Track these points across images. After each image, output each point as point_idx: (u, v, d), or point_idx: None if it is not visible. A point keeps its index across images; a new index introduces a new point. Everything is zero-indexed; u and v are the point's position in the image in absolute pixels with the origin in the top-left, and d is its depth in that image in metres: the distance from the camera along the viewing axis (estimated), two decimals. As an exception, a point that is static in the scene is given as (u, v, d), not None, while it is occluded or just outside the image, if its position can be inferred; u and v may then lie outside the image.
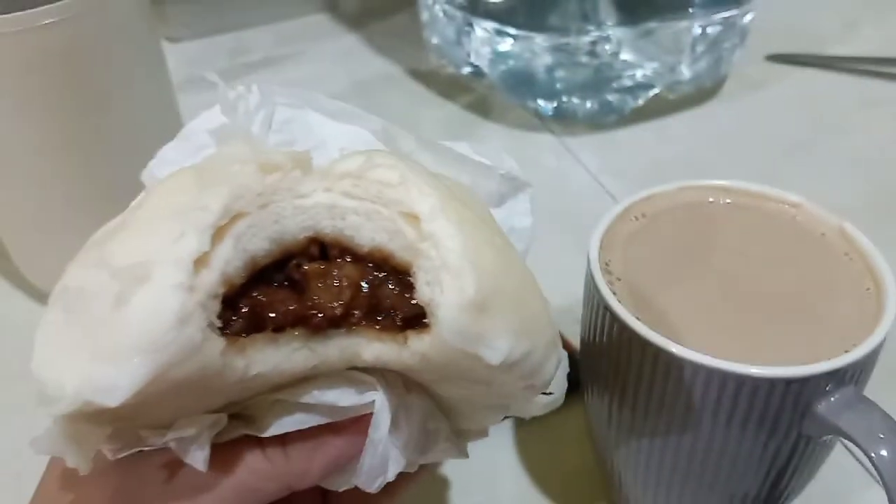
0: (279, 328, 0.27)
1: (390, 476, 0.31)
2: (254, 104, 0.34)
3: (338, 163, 0.29)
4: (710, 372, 0.34)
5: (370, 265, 0.28)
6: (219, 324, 0.25)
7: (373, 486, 0.31)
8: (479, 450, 0.48)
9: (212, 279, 0.25)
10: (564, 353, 0.33)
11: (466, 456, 0.36)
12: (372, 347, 0.28)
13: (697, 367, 0.34)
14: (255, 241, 0.27)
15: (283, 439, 0.30)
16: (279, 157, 0.29)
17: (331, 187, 0.28)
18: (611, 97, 0.75)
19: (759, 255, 0.40)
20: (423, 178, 0.28)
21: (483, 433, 0.37)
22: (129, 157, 0.56)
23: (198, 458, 0.28)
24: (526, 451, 0.49)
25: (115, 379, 0.24)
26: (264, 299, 0.27)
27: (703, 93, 0.80)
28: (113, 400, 0.24)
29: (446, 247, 0.26)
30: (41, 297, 0.61)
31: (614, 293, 0.38)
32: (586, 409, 0.43)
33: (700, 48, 0.76)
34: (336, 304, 0.27)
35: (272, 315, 0.27)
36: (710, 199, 0.43)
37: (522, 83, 0.77)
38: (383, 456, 0.31)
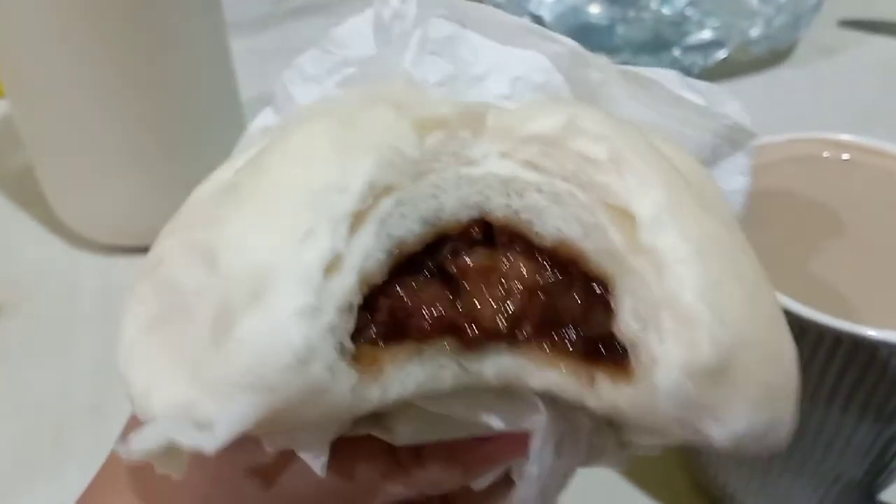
0: (425, 338, 0.21)
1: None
2: (410, 22, 0.26)
3: (525, 117, 0.22)
4: (835, 336, 0.31)
5: (551, 264, 0.21)
6: (351, 347, 0.20)
7: None
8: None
9: (345, 286, 0.19)
10: None
11: (626, 466, 0.30)
12: (542, 375, 0.21)
13: (820, 331, 0.31)
14: (403, 223, 0.21)
15: (420, 451, 0.25)
16: (443, 111, 0.22)
17: (510, 152, 0.22)
18: (678, 54, 0.71)
19: (880, 215, 0.37)
20: (644, 157, 0.20)
21: (653, 451, 0.28)
22: (182, 106, 0.55)
23: (316, 463, 0.23)
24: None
25: (213, 416, 0.18)
26: (409, 301, 0.21)
27: (774, 56, 0.76)
28: (208, 445, 0.18)
29: (677, 277, 0.19)
30: (78, 240, 0.59)
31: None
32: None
33: (771, 9, 0.72)
34: (500, 315, 0.21)
35: (417, 322, 0.21)
36: (825, 154, 0.39)
37: (582, 38, 0.73)
38: (540, 490, 0.24)
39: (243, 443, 0.22)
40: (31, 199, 0.61)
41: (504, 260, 0.21)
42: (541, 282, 0.21)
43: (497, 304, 0.21)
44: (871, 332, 0.30)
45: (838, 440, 0.34)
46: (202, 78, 0.55)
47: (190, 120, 0.55)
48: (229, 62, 0.58)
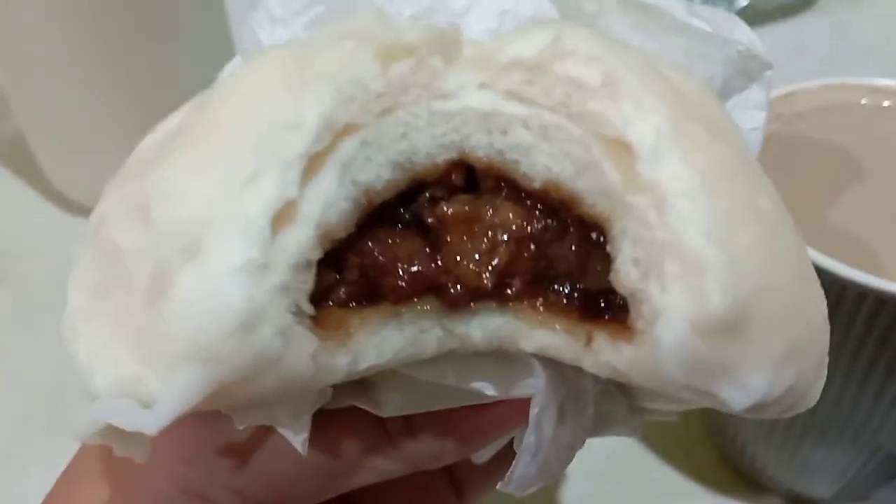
0: (402, 299, 0.18)
1: (550, 481, 0.23)
2: None
3: (505, 43, 0.19)
4: (881, 297, 0.28)
5: (542, 209, 0.18)
6: (310, 310, 0.17)
7: (525, 492, 0.22)
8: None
9: (300, 240, 0.16)
10: None
11: (638, 434, 0.27)
12: (536, 336, 0.19)
13: (864, 291, 0.28)
14: (370, 167, 0.18)
15: (412, 423, 0.23)
16: (410, 36, 0.19)
17: (490, 82, 0.19)
18: (699, 2, 0.67)
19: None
20: (641, 78, 0.17)
21: (669, 416, 0.26)
22: (175, 69, 0.51)
23: (297, 440, 0.20)
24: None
25: (157, 393, 0.16)
26: (382, 257, 0.18)
27: (800, 2, 0.72)
28: (148, 426, 0.16)
29: (681, 214, 0.16)
30: (70, 206, 0.57)
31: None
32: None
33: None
34: (486, 271, 0.18)
35: (392, 281, 0.18)
36: (863, 101, 0.36)
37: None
38: (541, 462, 0.22)
39: (215, 421, 0.20)
40: (24, 166, 0.59)
41: (488, 207, 0.18)
42: (530, 230, 0.18)
43: (483, 257, 0.18)
44: (876, 283, 0.28)
45: (878, 410, 0.32)
46: (195, 38, 0.53)
47: (183, 83, 0.53)
48: (224, 21, 0.55)
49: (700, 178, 0.16)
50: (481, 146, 0.19)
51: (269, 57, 0.18)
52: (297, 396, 0.20)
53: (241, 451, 0.22)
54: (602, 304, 0.18)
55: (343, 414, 0.22)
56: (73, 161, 0.55)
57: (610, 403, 0.24)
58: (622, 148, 0.17)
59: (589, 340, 0.18)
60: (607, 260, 0.17)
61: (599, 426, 0.24)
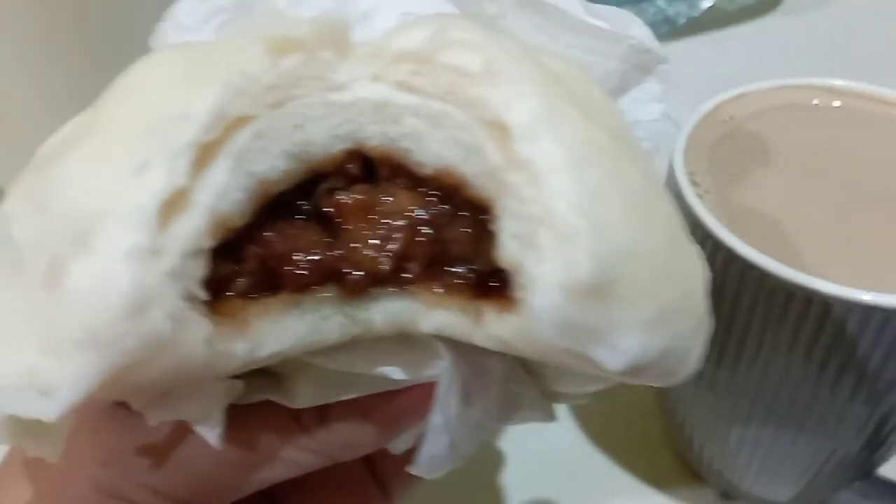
0: (302, 287, 0.19)
1: (459, 462, 0.23)
2: None
3: (393, 37, 0.20)
4: (827, 301, 0.28)
5: (435, 194, 0.19)
6: (204, 295, 0.18)
7: (434, 475, 0.23)
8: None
9: (191, 228, 0.17)
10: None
11: (553, 419, 0.28)
12: (433, 317, 0.20)
13: (810, 295, 0.28)
14: (265, 158, 0.18)
15: (325, 413, 0.23)
16: (300, 31, 0.20)
17: (381, 74, 0.20)
18: (662, 4, 0.68)
19: (876, 166, 0.34)
20: (520, 64, 0.19)
21: (581, 399, 0.28)
22: (109, 64, 0.52)
23: (211, 434, 0.21)
24: (582, 410, 0.43)
25: (56, 381, 0.16)
26: (280, 247, 0.19)
27: (764, 4, 0.72)
28: (47, 413, 0.16)
29: (551, 188, 0.17)
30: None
31: (707, 208, 0.31)
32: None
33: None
34: (382, 256, 0.19)
35: (291, 270, 0.19)
36: (815, 101, 0.36)
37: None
38: (448, 442, 0.23)
39: (133, 422, 0.21)
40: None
41: (384, 195, 0.19)
42: (425, 216, 0.19)
43: (380, 244, 0.19)
44: (823, 287, 0.28)
45: (831, 413, 0.31)
46: (130, 35, 0.51)
47: (116, 75, 0.52)
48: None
49: (570, 155, 0.17)
50: (375, 135, 0.19)
51: (163, 56, 0.20)
52: (204, 390, 0.20)
53: (159, 449, 0.22)
54: (492, 282, 0.19)
55: (258, 408, 0.23)
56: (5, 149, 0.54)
57: (518, 385, 0.25)
58: (501, 130, 0.18)
59: (479, 316, 0.19)
60: (493, 237, 0.18)
61: (510, 409, 0.25)
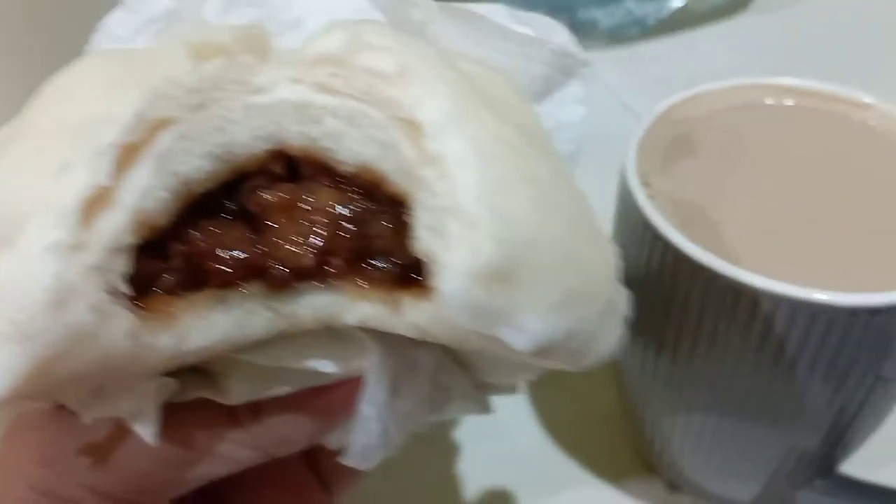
0: (227, 283, 0.20)
1: (390, 452, 0.25)
2: None
3: (312, 42, 0.21)
4: (777, 300, 0.28)
5: (356, 191, 0.20)
6: (127, 290, 0.18)
7: (367, 465, 0.24)
8: (493, 399, 0.43)
9: (114, 226, 0.18)
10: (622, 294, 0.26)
11: (489, 411, 0.29)
12: (356, 309, 0.21)
13: (760, 295, 0.28)
14: (188, 159, 0.19)
15: (259, 408, 0.24)
16: (221, 36, 0.21)
17: (300, 77, 0.20)
18: (631, 5, 0.68)
19: (828, 164, 0.34)
20: (432, 66, 0.20)
21: (512, 389, 0.29)
22: (54, 61, 0.52)
23: (146, 432, 0.22)
24: (543, 399, 0.43)
25: None
26: (205, 245, 0.20)
27: (735, 4, 0.73)
28: None
29: (458, 180, 0.18)
30: None
31: (656, 209, 0.31)
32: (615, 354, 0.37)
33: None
34: (305, 251, 0.20)
35: (216, 266, 0.20)
36: (768, 101, 0.36)
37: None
38: (379, 431, 0.24)
39: (71, 422, 0.22)
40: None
41: (307, 193, 0.20)
42: (347, 212, 0.20)
43: (303, 240, 0.20)
44: (773, 287, 0.28)
45: (786, 409, 0.31)
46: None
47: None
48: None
49: (476, 150, 0.18)
50: (296, 136, 0.20)
51: (88, 62, 0.20)
52: (137, 387, 0.21)
53: (98, 449, 0.23)
54: (412, 273, 0.20)
55: (193, 406, 0.23)
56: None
57: (448, 377, 0.26)
58: (414, 128, 0.19)
59: (398, 305, 0.20)
60: (410, 230, 0.19)
61: (442, 401, 0.26)
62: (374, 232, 0.20)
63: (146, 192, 0.19)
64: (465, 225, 0.18)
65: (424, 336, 0.20)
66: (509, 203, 0.18)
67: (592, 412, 0.42)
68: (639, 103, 0.63)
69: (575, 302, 0.20)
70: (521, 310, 0.19)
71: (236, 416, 0.24)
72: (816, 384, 0.30)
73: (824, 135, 0.35)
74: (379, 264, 0.20)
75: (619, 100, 0.64)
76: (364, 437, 0.23)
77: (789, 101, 0.36)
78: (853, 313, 0.28)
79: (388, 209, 0.20)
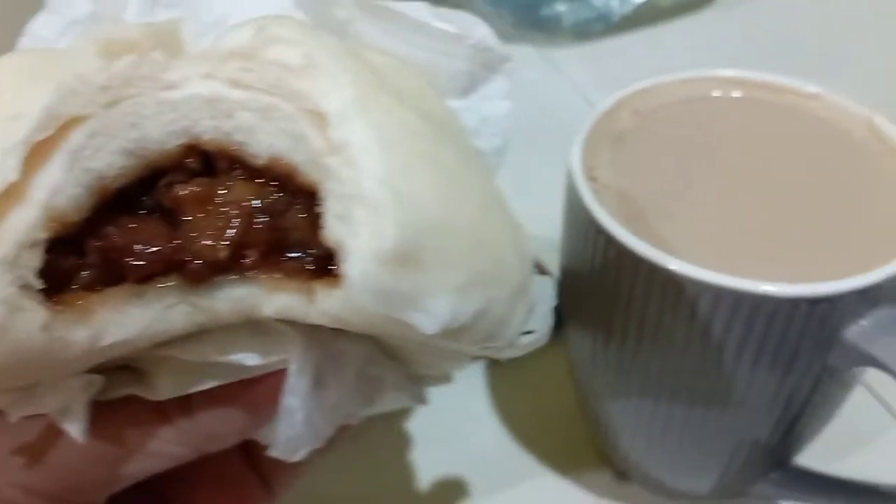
0: (144, 278, 0.20)
1: (316, 446, 0.25)
2: None
3: (222, 39, 0.22)
4: (719, 292, 0.28)
5: (270, 184, 0.20)
6: (39, 284, 0.19)
7: (294, 457, 0.24)
8: (449, 398, 0.42)
9: (25, 221, 0.18)
10: (548, 284, 0.27)
11: (424, 402, 0.30)
12: (273, 300, 0.21)
13: (702, 287, 0.28)
14: (101, 155, 0.19)
15: (188, 403, 0.24)
16: (131, 34, 0.21)
17: (212, 73, 0.21)
18: (596, 1, 0.68)
19: (774, 155, 0.34)
20: (336, 58, 0.20)
21: (445, 379, 0.30)
22: None
23: (74, 429, 0.22)
24: (500, 397, 0.43)
25: None
26: (120, 239, 0.20)
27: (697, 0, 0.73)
28: None
29: (362, 166, 0.19)
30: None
31: (600, 203, 0.31)
32: (568, 347, 0.37)
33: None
34: (220, 244, 0.20)
35: (132, 261, 0.20)
36: (716, 93, 0.36)
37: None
38: (305, 423, 0.24)
39: (5, 425, 0.22)
40: None
41: (222, 187, 0.20)
42: (260, 205, 0.20)
43: (218, 233, 0.20)
44: (718, 280, 0.28)
45: (734, 400, 0.31)
46: None
47: None
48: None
49: (380, 137, 0.19)
50: (209, 130, 0.20)
51: (2, 63, 0.20)
52: (63, 384, 0.21)
53: (29, 448, 0.23)
54: (326, 264, 0.20)
55: (122, 404, 0.23)
56: None
57: (379, 368, 0.26)
58: (320, 118, 0.19)
59: (312, 295, 0.20)
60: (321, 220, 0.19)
61: (372, 393, 0.26)
62: (288, 224, 0.20)
63: (58, 188, 0.19)
64: (369, 210, 0.18)
65: (341, 325, 0.20)
66: (414, 187, 0.19)
67: (550, 408, 0.42)
68: (603, 99, 0.63)
69: (482, 285, 0.20)
70: (427, 293, 0.19)
71: (165, 411, 0.24)
72: (762, 375, 0.30)
73: (772, 126, 0.35)
74: (294, 255, 0.21)
75: (583, 96, 0.64)
76: (288, 429, 0.24)
77: (737, 93, 0.36)
78: (794, 304, 0.28)
79: (302, 201, 0.20)
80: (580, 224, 0.32)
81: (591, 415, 0.38)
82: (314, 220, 0.20)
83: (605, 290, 0.31)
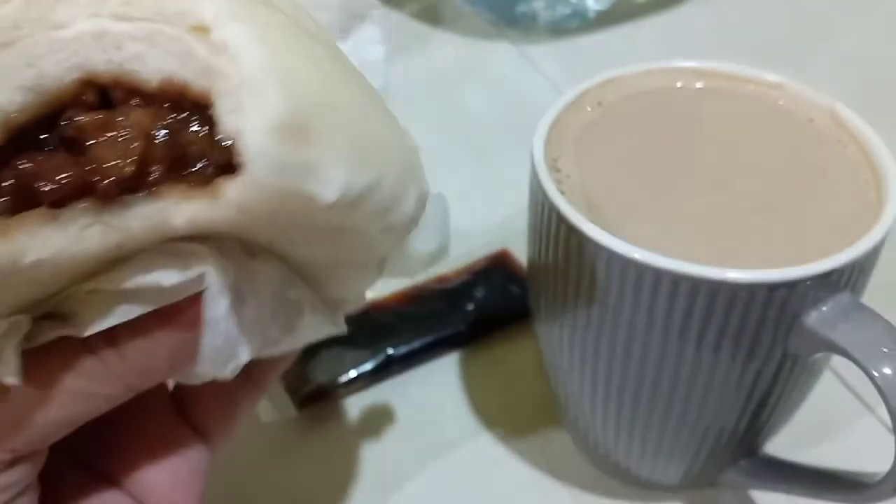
0: (57, 201, 0.21)
1: (243, 359, 0.26)
2: None
3: None
4: (677, 279, 0.28)
5: (166, 106, 0.22)
6: None
7: (223, 372, 0.26)
8: (421, 387, 0.43)
9: None
10: (442, 200, 0.29)
11: (344, 329, 0.31)
12: (182, 209, 0.22)
13: (661, 274, 0.28)
14: (2, 93, 0.21)
15: (114, 336, 0.24)
16: None
17: (97, 11, 0.22)
18: (573, -1, 0.68)
19: (736, 145, 0.34)
20: None
21: (359, 301, 0.32)
22: None
23: (6, 371, 0.22)
24: (473, 388, 0.43)
25: None
26: (31, 168, 0.21)
27: (673, -6, 0.73)
28: None
29: (243, 57, 0.20)
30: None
31: (562, 192, 0.31)
32: (537, 336, 0.37)
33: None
34: (125, 162, 0.21)
35: (45, 186, 0.21)
36: (679, 84, 0.36)
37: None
38: (228, 337, 0.25)
39: None
40: None
41: (119, 115, 0.21)
42: (160, 125, 0.21)
43: (123, 153, 0.21)
44: (683, 268, 0.28)
45: (698, 386, 0.31)
46: None
47: None
48: None
49: (257, 31, 0.20)
50: (102, 62, 0.21)
51: None
52: None
53: None
54: (226, 167, 0.21)
55: (49, 347, 0.23)
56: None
57: (293, 290, 0.27)
58: (202, 30, 0.20)
59: (217, 192, 0.21)
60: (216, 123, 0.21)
61: (292, 316, 0.28)
62: (187, 139, 0.21)
63: None
64: (255, 92, 0.20)
65: (249, 217, 0.21)
66: (294, 68, 0.21)
67: (523, 398, 0.42)
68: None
69: (371, 160, 0.22)
70: (323, 163, 0.20)
71: (91, 347, 0.24)
72: (725, 362, 0.30)
73: (734, 115, 0.35)
74: (198, 166, 0.22)
75: (559, 92, 0.64)
76: (212, 340, 0.25)
77: (700, 84, 0.36)
78: (753, 290, 0.28)
79: (198, 116, 0.21)
80: (543, 214, 0.32)
81: (562, 404, 0.38)
82: (211, 130, 0.21)
83: (566, 278, 0.31)
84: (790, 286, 0.28)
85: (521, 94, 0.65)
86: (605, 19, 0.70)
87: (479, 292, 0.46)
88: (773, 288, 0.28)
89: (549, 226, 0.31)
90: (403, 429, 0.41)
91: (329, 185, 0.21)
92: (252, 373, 0.29)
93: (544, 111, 0.57)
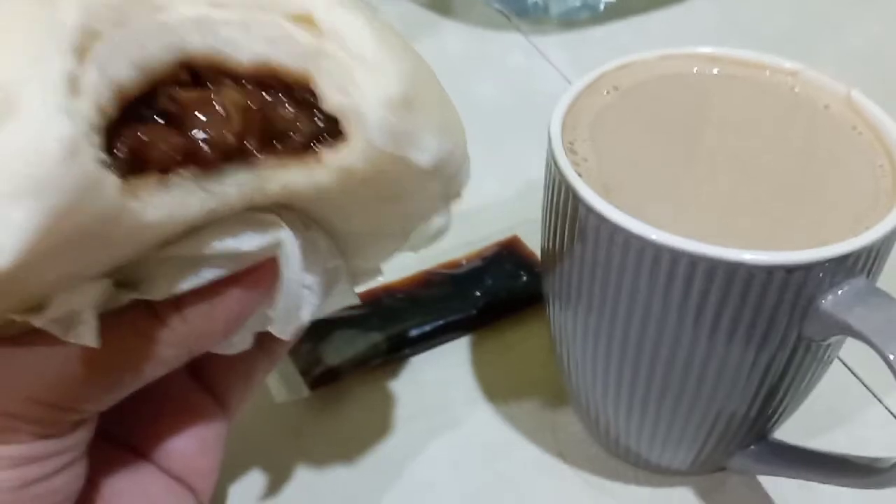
0: (166, 169, 0.23)
1: (305, 319, 0.28)
2: None
3: None
4: (694, 260, 0.28)
5: (257, 86, 0.24)
6: (107, 159, 0.21)
7: (287, 332, 0.28)
8: (433, 370, 0.43)
9: (88, 107, 0.20)
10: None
11: (356, 300, 0.32)
12: (277, 176, 0.24)
13: (678, 255, 0.28)
14: (117, 66, 0.22)
15: (179, 301, 0.25)
16: None
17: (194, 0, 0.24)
18: (582, -9, 0.68)
19: (752, 130, 0.34)
20: None
21: (376, 273, 0.34)
22: None
23: (85, 333, 0.23)
24: (482, 370, 0.43)
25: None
26: (144, 136, 0.22)
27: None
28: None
29: (357, 40, 0.23)
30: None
31: (579, 175, 0.31)
32: (549, 319, 0.37)
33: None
34: (225, 133, 0.23)
35: (155, 154, 0.22)
36: (696, 70, 0.37)
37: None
38: (297, 297, 0.28)
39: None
40: None
41: (215, 93, 0.23)
42: (252, 102, 0.23)
43: (223, 125, 0.23)
44: (700, 249, 0.28)
45: (712, 369, 0.32)
46: None
47: None
48: None
49: (361, 17, 0.23)
50: (199, 45, 0.23)
51: None
52: (78, 291, 0.23)
53: (33, 359, 0.24)
54: (323, 135, 0.24)
55: (120, 312, 0.25)
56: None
57: (334, 261, 0.30)
58: (305, 20, 0.23)
59: (318, 160, 0.24)
60: (316, 99, 0.23)
61: (332, 284, 0.30)
62: (280, 114, 0.24)
63: (97, 90, 0.21)
64: (372, 70, 0.23)
65: (346, 181, 0.24)
66: (395, 49, 0.23)
67: (534, 381, 0.42)
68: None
69: (450, 129, 0.25)
70: (422, 130, 0.24)
71: (159, 312, 0.25)
72: (739, 345, 0.30)
73: (750, 100, 0.35)
74: (292, 137, 0.24)
75: (568, 83, 0.65)
76: (286, 300, 0.27)
77: (716, 69, 0.36)
78: (770, 272, 0.28)
79: (287, 95, 0.24)
80: (560, 196, 0.32)
81: (573, 388, 0.38)
82: (303, 107, 0.23)
83: (581, 259, 0.31)
84: (807, 269, 0.28)
85: (531, 84, 0.65)
86: (614, 11, 0.70)
87: (490, 278, 0.46)
88: (790, 270, 0.28)
89: (566, 207, 0.31)
90: (414, 410, 0.41)
91: (426, 151, 0.24)
92: (265, 343, 0.30)
93: (554, 101, 0.57)
